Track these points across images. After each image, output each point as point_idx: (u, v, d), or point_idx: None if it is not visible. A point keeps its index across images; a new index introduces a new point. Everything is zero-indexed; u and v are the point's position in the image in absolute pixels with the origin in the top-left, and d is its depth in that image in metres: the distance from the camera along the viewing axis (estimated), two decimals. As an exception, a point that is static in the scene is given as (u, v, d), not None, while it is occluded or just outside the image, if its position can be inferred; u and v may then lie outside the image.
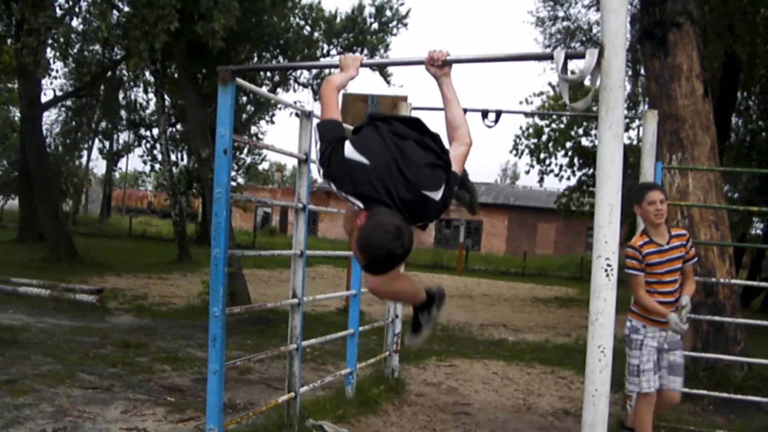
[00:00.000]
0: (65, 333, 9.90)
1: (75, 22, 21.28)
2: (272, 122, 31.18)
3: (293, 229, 4.99)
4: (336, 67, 3.78)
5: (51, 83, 28.58)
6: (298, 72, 27.84)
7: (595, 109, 3.14)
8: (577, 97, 5.51)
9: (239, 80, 4.09)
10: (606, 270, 3.06)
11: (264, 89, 25.11)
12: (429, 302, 4.06)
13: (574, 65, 3.37)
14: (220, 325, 4.18)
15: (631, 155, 21.88)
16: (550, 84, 28.33)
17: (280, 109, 34.60)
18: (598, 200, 3.09)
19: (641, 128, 8.28)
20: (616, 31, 3.10)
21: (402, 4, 29.16)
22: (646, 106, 17.83)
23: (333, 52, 26.92)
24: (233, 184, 30.19)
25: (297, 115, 4.90)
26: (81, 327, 10.49)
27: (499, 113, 6.08)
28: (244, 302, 12.52)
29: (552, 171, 29.61)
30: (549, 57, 3.29)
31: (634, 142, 24.77)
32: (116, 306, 13.01)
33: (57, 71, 28.57)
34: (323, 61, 24.44)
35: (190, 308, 12.98)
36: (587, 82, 3.20)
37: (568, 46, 24.37)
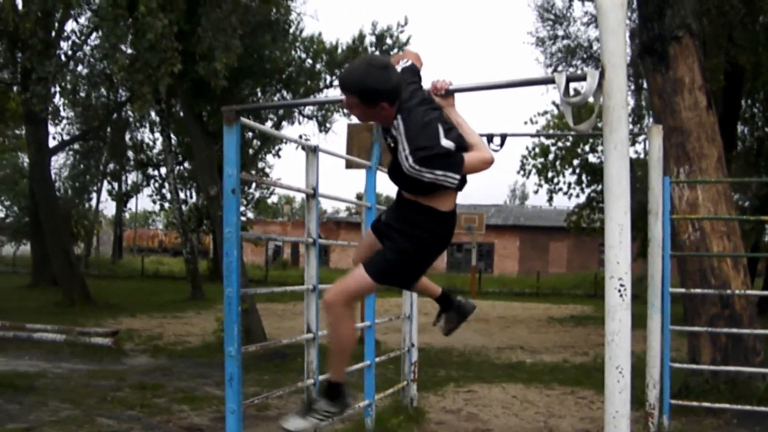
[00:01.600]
0: (82, 377, 9.91)
1: (80, 67, 21.51)
2: (279, 156, 31.22)
3: (305, 262, 4.99)
4: (338, 102, 3.83)
5: (60, 128, 28.67)
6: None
7: (600, 124, 3.14)
8: (582, 115, 5.53)
9: (244, 119, 4.12)
10: (619, 290, 3.05)
11: (269, 124, 25.30)
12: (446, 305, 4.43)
13: (577, 85, 3.39)
14: (236, 365, 4.17)
15: (639, 169, 21.87)
16: (554, 103, 28.39)
17: (286, 143, 34.74)
18: (608, 221, 3.08)
19: (647, 143, 8.29)
20: (616, 51, 3.11)
21: (402, 32, 29.32)
22: (651, 120, 17.83)
23: (336, 83, 27.03)
24: (242, 218, 30.14)
25: (303, 148, 4.93)
26: (97, 370, 10.50)
27: (504, 137, 6.09)
28: (260, 338, 12.50)
29: (561, 189, 29.61)
30: (551, 81, 3.29)
31: (641, 156, 24.77)
32: (132, 347, 13.02)
33: (66, 117, 28.82)
34: (326, 97, 24.60)
35: (205, 346, 12.97)
36: (591, 100, 3.21)
37: (569, 65, 24.46)
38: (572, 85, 3.29)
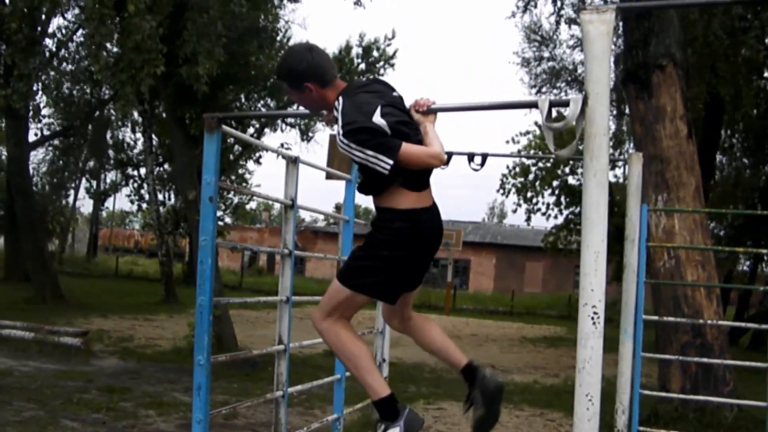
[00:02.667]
0: (49, 377, 9.79)
1: (64, 64, 21.39)
2: (259, 163, 31.12)
3: (280, 272, 4.95)
4: (320, 114, 3.82)
5: (39, 124, 28.41)
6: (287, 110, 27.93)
7: (580, 147, 3.15)
8: (564, 137, 5.55)
9: (225, 127, 4.09)
10: (593, 318, 3.04)
11: (251, 130, 25.21)
12: (470, 380, 3.81)
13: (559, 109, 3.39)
14: (204, 374, 4.13)
15: (617, 193, 22.01)
16: (536, 123, 28.55)
17: (267, 151, 34.69)
18: (584, 248, 3.08)
19: (627, 168, 8.34)
20: (600, 79, 3.11)
21: (389, 45, 29.42)
22: (631, 146, 17.97)
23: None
24: (220, 223, 29.95)
25: (284, 157, 4.90)
26: (65, 371, 10.38)
27: (485, 156, 6.09)
28: (231, 346, 12.42)
29: (539, 210, 29.72)
30: (533, 105, 3.30)
31: (620, 180, 24.94)
32: (101, 348, 12.89)
33: (46, 116, 28.64)
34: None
35: (176, 351, 12.87)
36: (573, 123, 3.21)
37: (553, 86, 24.65)
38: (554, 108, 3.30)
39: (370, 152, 3.32)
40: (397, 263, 3.53)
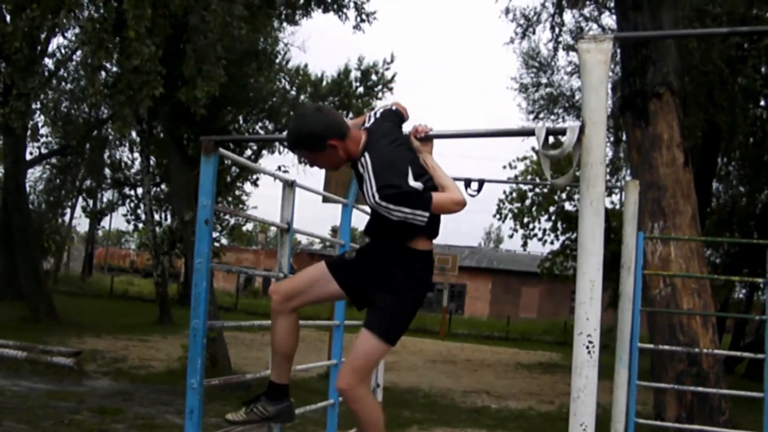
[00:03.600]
0: (40, 397, 9.73)
1: (63, 83, 21.43)
2: (256, 185, 31.13)
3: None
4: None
5: (36, 143, 28.39)
6: (284, 133, 27.97)
7: (577, 173, 3.15)
8: (561, 163, 5.57)
9: (222, 150, 4.08)
10: (588, 347, 3.03)
11: (248, 152, 25.21)
12: (273, 397, 3.98)
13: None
14: (197, 398, 4.09)
15: (614, 220, 22.04)
16: (533, 149, 28.61)
17: (264, 174, 34.69)
18: (579, 276, 3.07)
19: (623, 195, 8.36)
20: (597, 108, 3.12)
21: (388, 69, 29.47)
22: (628, 172, 18.01)
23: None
24: (216, 244, 29.88)
25: (281, 181, 4.90)
26: (57, 391, 10.31)
27: (481, 182, 6.07)
28: (225, 368, 12.37)
29: (536, 235, 29.68)
30: (530, 133, 3.31)
31: (617, 207, 24.95)
32: (94, 369, 12.83)
33: (44, 136, 28.63)
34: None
35: (169, 372, 12.81)
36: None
37: (551, 112, 24.71)
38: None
39: (408, 210, 3.38)
40: (417, 304, 3.66)
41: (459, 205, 3.57)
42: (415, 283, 3.63)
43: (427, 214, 3.43)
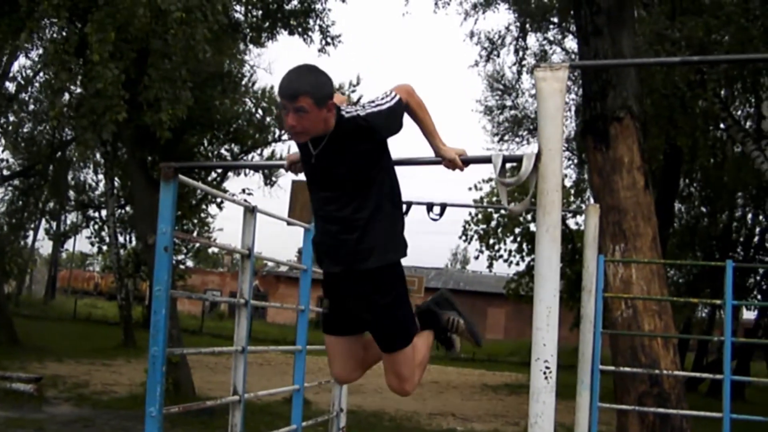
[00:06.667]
0: (-1, 425, 9.57)
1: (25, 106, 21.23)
2: (221, 208, 30.86)
3: (236, 322, 4.91)
4: (281, 167, 3.82)
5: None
6: (250, 156, 27.92)
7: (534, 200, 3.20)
8: (525, 186, 5.60)
9: (182, 177, 4.07)
10: (545, 373, 3.07)
11: (213, 174, 25.06)
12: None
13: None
14: (157, 426, 4.05)
15: (579, 240, 22.21)
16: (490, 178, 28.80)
17: (225, 201, 34.52)
18: (536, 302, 3.11)
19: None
20: (553, 136, 3.17)
21: (354, 91, 29.57)
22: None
23: (285, 137, 27.03)
24: (182, 267, 29.58)
25: (242, 206, 4.89)
26: (15, 419, 10.14)
27: (443, 206, 6.11)
28: (188, 392, 12.26)
29: (501, 256, 29.80)
30: (487, 160, 3.35)
31: (582, 228, 25.17)
32: (55, 395, 12.64)
33: (4, 160, 28.33)
34: (272, 151, 24.75)
35: (132, 397, 12.65)
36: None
37: (515, 134, 24.93)
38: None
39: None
40: (404, 282, 3.72)
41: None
42: (402, 275, 3.65)
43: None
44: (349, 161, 3.42)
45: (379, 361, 3.88)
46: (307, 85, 3.28)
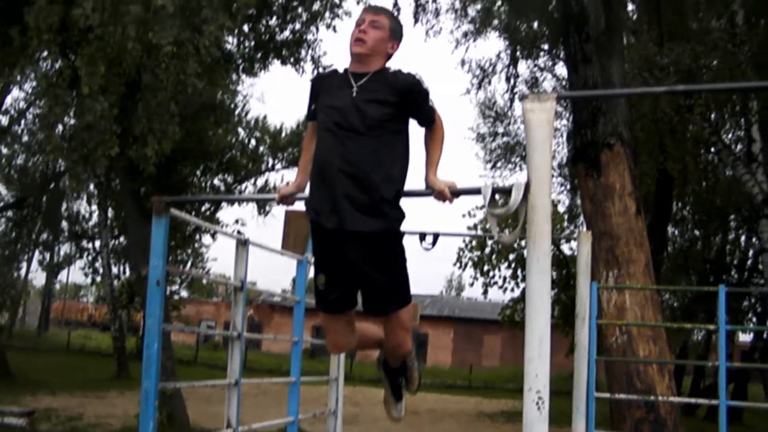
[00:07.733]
0: (-8, 460, 9.49)
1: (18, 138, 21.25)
2: (214, 239, 30.86)
3: (228, 355, 4.90)
4: (272, 200, 3.86)
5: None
6: (243, 185, 27.98)
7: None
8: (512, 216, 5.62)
9: (174, 211, 4.08)
10: (537, 403, 3.06)
11: (207, 204, 25.08)
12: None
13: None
14: (149, 460, 4.04)
15: (573, 266, 22.18)
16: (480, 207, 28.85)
17: (223, 226, 34.58)
18: (528, 333, 3.11)
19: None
20: (541, 167, 3.19)
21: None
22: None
23: (278, 166, 27.09)
24: (176, 297, 29.47)
25: (234, 239, 4.89)
26: (9, 453, 10.07)
27: (436, 235, 6.13)
28: (182, 424, 12.18)
29: (496, 283, 29.76)
30: (477, 192, 3.37)
31: (575, 253, 25.16)
32: (48, 428, 12.55)
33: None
34: (260, 194, 24.82)
35: (126, 430, 12.58)
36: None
37: (508, 161, 25.00)
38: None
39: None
40: (402, 240, 3.84)
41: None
42: (401, 237, 3.76)
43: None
44: (383, 102, 3.62)
45: (372, 344, 4.50)
46: (392, 16, 3.84)
